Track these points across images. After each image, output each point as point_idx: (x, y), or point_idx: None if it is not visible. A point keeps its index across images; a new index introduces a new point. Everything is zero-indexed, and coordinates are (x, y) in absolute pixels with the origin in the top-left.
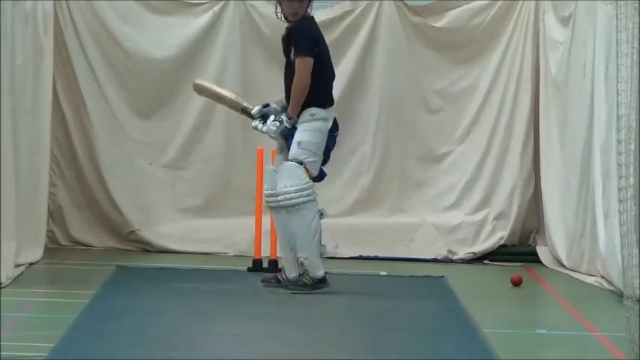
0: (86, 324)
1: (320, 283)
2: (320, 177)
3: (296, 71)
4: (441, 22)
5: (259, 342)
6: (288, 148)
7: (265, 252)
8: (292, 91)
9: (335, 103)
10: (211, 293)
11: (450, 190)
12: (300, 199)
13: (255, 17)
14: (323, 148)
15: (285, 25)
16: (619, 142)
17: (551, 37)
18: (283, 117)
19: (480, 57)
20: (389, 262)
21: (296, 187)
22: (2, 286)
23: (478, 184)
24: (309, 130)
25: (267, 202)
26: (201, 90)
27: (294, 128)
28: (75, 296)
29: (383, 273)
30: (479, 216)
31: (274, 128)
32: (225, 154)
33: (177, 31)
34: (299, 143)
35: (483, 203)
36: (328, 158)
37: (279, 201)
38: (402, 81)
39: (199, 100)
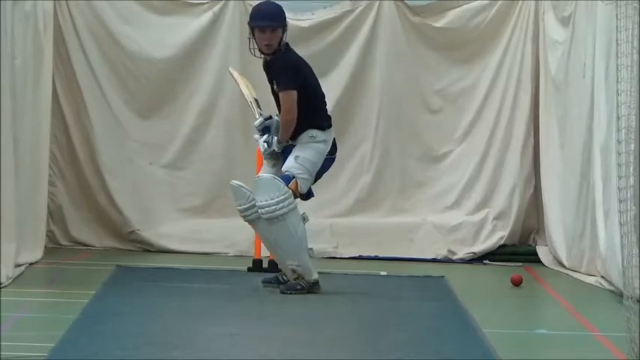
0: (86, 324)
1: (314, 285)
2: (307, 196)
3: (281, 105)
4: (441, 22)
5: (259, 342)
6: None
7: (265, 252)
8: (281, 122)
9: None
10: (211, 293)
11: (450, 190)
12: (282, 210)
13: None
14: (318, 169)
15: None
16: (619, 142)
17: (551, 37)
18: (274, 139)
19: (479, 57)
20: (389, 262)
21: (276, 199)
22: (2, 286)
23: (478, 184)
24: (308, 148)
25: (244, 216)
26: (232, 78)
27: (291, 145)
28: (75, 296)
29: (383, 273)
30: (479, 216)
31: (262, 149)
32: (225, 154)
33: (178, 31)
34: (296, 157)
35: (483, 203)
36: (320, 177)
37: (261, 214)
38: (402, 81)
39: (199, 100)
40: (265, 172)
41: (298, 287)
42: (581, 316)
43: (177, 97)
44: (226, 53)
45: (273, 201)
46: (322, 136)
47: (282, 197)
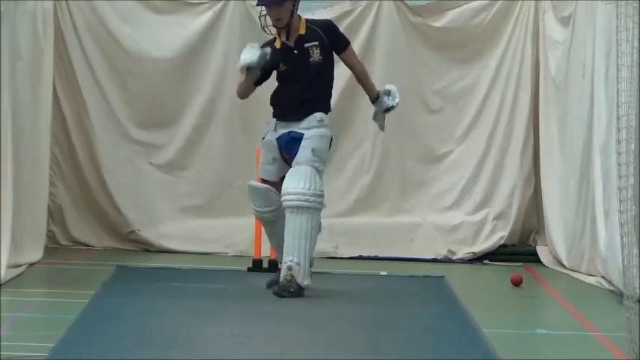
0: (86, 324)
1: (302, 290)
2: None
3: (352, 57)
4: (441, 22)
5: (259, 342)
6: (285, 160)
7: (265, 252)
8: (363, 73)
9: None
10: (211, 293)
11: (450, 190)
12: (314, 205)
13: (256, 17)
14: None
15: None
16: (619, 142)
17: (550, 37)
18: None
19: (479, 57)
20: (389, 262)
21: (312, 191)
22: (2, 285)
23: (478, 184)
24: (318, 136)
25: (264, 217)
26: None
27: (293, 135)
28: (75, 296)
29: (383, 273)
30: (479, 216)
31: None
32: (225, 154)
33: (178, 30)
34: (313, 150)
35: (483, 203)
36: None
37: (290, 200)
38: (402, 81)
39: (200, 100)
40: (269, 174)
41: (291, 290)
42: (581, 316)
43: (177, 96)
44: (227, 52)
45: (309, 191)
46: (327, 119)
47: (319, 192)
